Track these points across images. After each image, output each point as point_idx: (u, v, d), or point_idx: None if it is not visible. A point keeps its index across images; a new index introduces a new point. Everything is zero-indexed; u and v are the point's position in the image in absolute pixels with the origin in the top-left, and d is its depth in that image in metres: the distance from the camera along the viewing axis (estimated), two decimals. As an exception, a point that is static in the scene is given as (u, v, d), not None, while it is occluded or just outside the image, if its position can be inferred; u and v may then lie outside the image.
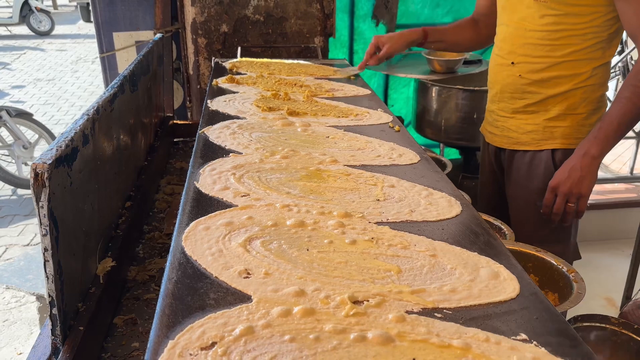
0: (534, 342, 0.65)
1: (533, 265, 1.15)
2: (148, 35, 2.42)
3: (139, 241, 1.55)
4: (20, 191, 4.66)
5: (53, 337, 0.97)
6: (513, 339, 0.66)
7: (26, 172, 4.62)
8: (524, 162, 1.71)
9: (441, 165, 1.98)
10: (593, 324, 1.03)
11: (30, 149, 4.59)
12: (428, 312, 0.70)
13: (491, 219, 1.43)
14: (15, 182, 4.58)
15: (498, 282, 0.76)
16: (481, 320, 0.69)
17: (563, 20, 1.53)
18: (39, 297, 2.85)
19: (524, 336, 0.66)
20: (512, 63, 1.65)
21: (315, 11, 2.39)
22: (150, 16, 2.40)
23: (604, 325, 1.03)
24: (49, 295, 0.94)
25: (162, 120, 2.27)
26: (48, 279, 0.92)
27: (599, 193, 3.73)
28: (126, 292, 1.31)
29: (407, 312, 0.70)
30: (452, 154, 2.99)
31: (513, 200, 1.78)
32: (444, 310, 0.71)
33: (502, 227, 1.41)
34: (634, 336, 1.00)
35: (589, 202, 1.58)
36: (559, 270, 1.07)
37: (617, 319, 1.03)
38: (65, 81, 8.12)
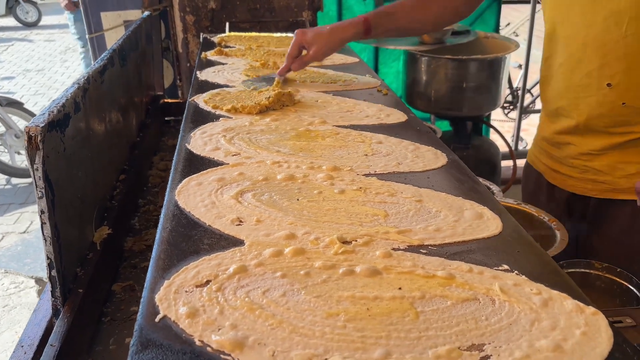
0: (515, 271, 0.68)
1: (516, 218, 1.18)
2: (136, 15, 2.41)
3: (134, 214, 1.58)
4: (14, 180, 4.66)
5: (53, 299, 0.99)
6: (495, 269, 0.69)
7: (19, 161, 4.62)
8: (624, 214, 1.26)
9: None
10: (577, 270, 1.06)
11: (22, 137, 4.58)
12: (414, 249, 0.73)
13: (481, 179, 1.46)
14: (9, 171, 4.58)
15: (482, 222, 0.79)
16: (465, 255, 0.72)
17: None
18: (38, 281, 2.87)
19: (505, 267, 0.69)
20: (609, 85, 1.17)
21: (302, -15, 2.40)
22: (137, -5, 2.39)
23: (587, 270, 1.06)
24: (48, 258, 0.96)
25: (153, 99, 2.28)
26: (46, 241, 0.95)
27: None
28: (123, 262, 1.34)
29: (393, 249, 0.73)
30: (443, 126, 3.02)
31: (604, 255, 1.25)
32: (429, 247, 0.73)
33: (491, 186, 1.44)
34: (618, 279, 1.03)
35: None
36: (541, 220, 1.09)
37: (600, 263, 1.06)
38: (54, 71, 8.07)
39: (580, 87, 1.21)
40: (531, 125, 5.10)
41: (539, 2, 3.30)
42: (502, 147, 2.89)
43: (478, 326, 0.59)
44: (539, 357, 0.54)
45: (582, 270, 1.05)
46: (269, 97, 1.23)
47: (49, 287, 0.99)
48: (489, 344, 0.56)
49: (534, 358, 0.54)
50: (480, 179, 1.48)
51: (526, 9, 3.59)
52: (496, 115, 4.03)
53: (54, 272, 0.97)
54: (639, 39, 1.10)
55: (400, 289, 0.65)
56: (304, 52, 1.45)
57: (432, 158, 1.01)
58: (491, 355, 0.55)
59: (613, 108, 1.18)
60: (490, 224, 0.78)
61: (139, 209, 1.60)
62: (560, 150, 1.33)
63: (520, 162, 3.47)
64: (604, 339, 0.57)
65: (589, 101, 1.21)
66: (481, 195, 0.87)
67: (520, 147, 3.69)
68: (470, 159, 2.53)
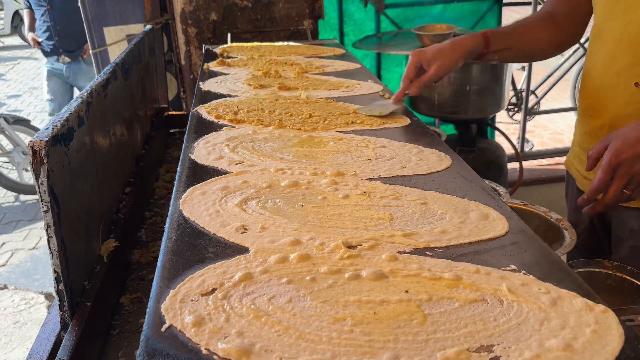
0: (523, 271, 0.67)
1: (523, 218, 1.17)
2: (138, 29, 2.43)
3: (141, 226, 1.58)
4: (22, 197, 4.69)
5: (61, 313, 0.99)
6: (502, 269, 0.68)
7: (27, 178, 4.65)
8: None
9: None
10: (587, 269, 1.05)
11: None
12: (420, 252, 0.72)
13: (487, 181, 1.45)
14: (17, 188, 4.61)
15: (487, 222, 0.79)
16: (471, 256, 0.71)
17: None
18: (48, 296, 2.88)
19: (513, 267, 0.69)
20: (637, 84, 1.15)
21: (302, -6, 2.41)
22: (140, 9, 2.41)
23: (598, 269, 1.05)
24: (55, 271, 0.96)
25: (158, 111, 2.29)
26: (52, 255, 0.95)
27: None
28: (131, 274, 1.34)
29: (399, 252, 0.72)
30: (448, 130, 3.01)
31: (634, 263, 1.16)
32: (435, 249, 0.73)
33: (497, 188, 1.43)
34: (628, 277, 1.02)
35: None
36: (548, 221, 1.08)
37: (610, 262, 1.05)
38: (59, 87, 8.13)
39: (610, 86, 1.20)
40: (537, 127, 5.08)
41: (539, 4, 3.29)
42: (508, 150, 2.87)
43: (486, 327, 0.58)
44: (549, 356, 0.54)
45: (592, 269, 1.04)
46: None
47: (57, 301, 0.99)
48: (498, 344, 0.56)
49: (544, 358, 0.53)
50: (487, 181, 1.47)
51: (527, 10, 3.59)
52: (501, 118, 4.02)
53: (61, 286, 0.97)
54: None
55: (407, 292, 0.64)
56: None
57: (436, 160, 1.01)
58: (500, 356, 0.54)
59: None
60: (496, 225, 0.78)
61: (145, 221, 1.61)
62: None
63: (527, 164, 3.47)
64: (615, 336, 0.56)
65: (617, 100, 1.19)
66: (487, 197, 0.87)
67: (526, 149, 3.68)
68: (476, 162, 2.52)
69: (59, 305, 0.98)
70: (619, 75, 1.17)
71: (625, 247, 1.25)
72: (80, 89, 4.76)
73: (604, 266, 1.04)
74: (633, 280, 1.02)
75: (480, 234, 0.76)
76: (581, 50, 4.06)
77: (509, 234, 0.76)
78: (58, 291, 0.98)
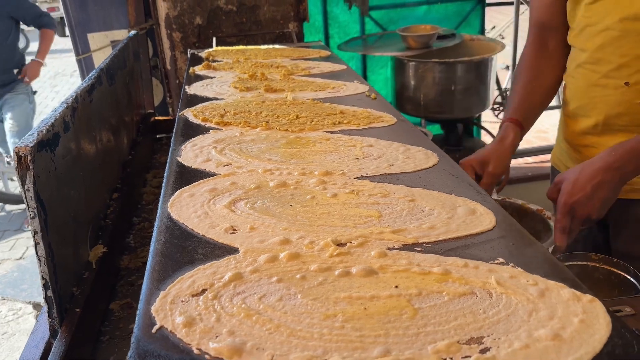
0: (511, 264, 0.68)
1: (511, 213, 1.18)
2: (123, 35, 2.42)
3: (129, 232, 1.57)
4: (8, 207, 4.64)
5: (50, 320, 0.98)
6: (491, 262, 0.69)
7: (13, 188, 4.60)
8: None
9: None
10: (575, 262, 1.06)
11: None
12: (409, 247, 0.73)
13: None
14: (3, 198, 4.56)
15: (475, 217, 0.79)
16: (460, 250, 0.72)
17: None
18: (36, 306, 2.85)
19: (501, 260, 0.69)
20: (627, 84, 1.19)
21: (286, -3, 2.41)
22: (124, 14, 2.40)
23: (585, 262, 1.06)
24: (43, 278, 0.95)
25: (144, 117, 2.28)
26: (40, 261, 0.94)
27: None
28: (120, 280, 1.33)
29: (388, 248, 0.72)
30: (434, 130, 3.03)
31: (627, 258, 1.18)
32: (424, 245, 0.73)
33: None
34: (615, 270, 1.04)
35: None
36: (534, 213, 1.10)
37: (597, 255, 1.06)
38: (45, 96, 8.07)
39: (599, 86, 1.23)
40: (522, 125, 5.13)
41: (522, 3, 3.34)
42: (494, 148, 2.90)
43: (476, 319, 0.59)
44: (538, 346, 0.54)
45: (580, 262, 1.06)
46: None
47: (45, 308, 0.99)
48: (488, 336, 0.56)
49: (533, 348, 0.54)
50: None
51: (510, 10, 3.63)
52: (487, 117, 4.06)
53: (49, 293, 0.96)
54: None
55: (396, 287, 0.64)
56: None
57: (423, 158, 1.01)
58: (490, 347, 0.55)
59: (631, 106, 1.19)
60: (483, 219, 0.78)
61: (133, 227, 1.60)
62: (581, 154, 1.33)
63: (513, 162, 3.49)
64: (602, 325, 0.57)
65: (607, 100, 1.22)
66: (474, 192, 0.88)
67: (512, 147, 3.72)
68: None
69: (48, 312, 0.97)
70: (608, 76, 1.20)
71: (625, 235, 1.28)
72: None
73: (591, 259, 1.06)
74: (620, 272, 1.03)
75: (468, 228, 0.76)
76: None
77: (496, 228, 0.77)
78: (46, 298, 0.97)
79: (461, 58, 2.37)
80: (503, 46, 2.50)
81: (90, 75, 1.43)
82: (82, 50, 2.42)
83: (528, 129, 1.39)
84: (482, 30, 3.26)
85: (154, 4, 2.37)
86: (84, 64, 2.47)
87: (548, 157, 3.58)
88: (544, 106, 1.45)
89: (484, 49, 2.51)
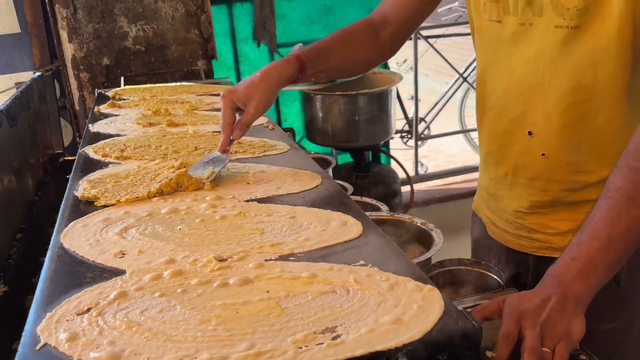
0: (369, 265, 0.78)
1: (392, 226, 1.30)
2: (28, 76, 2.40)
3: (36, 272, 1.55)
4: None
5: (-55, 362, 0.98)
6: (353, 265, 0.78)
7: None
8: None
9: (327, 163, 2.12)
10: (450, 268, 1.18)
11: None
12: (284, 258, 0.81)
13: (368, 200, 1.58)
14: None
15: (345, 228, 0.89)
16: (328, 257, 0.81)
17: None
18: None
19: (362, 262, 0.79)
20: (530, 133, 1.09)
21: (194, 36, 2.50)
22: (28, 56, 2.39)
23: (459, 267, 1.18)
24: None
25: (52, 158, 2.26)
26: None
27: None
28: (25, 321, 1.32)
29: (265, 260, 0.80)
30: (345, 158, 3.17)
31: None
32: (298, 254, 0.82)
33: (379, 204, 1.56)
34: (483, 271, 1.17)
35: None
36: (417, 226, 1.22)
37: (469, 259, 1.19)
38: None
39: (506, 133, 1.15)
40: (432, 152, 5.46)
41: (419, 39, 3.60)
42: (403, 174, 3.09)
43: (333, 313, 0.67)
44: (381, 329, 0.63)
45: (455, 267, 1.18)
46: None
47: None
48: (340, 325, 0.65)
49: (377, 331, 0.63)
50: (373, 200, 1.61)
51: (422, 45, 3.89)
52: (396, 145, 4.29)
53: (-58, 335, 0.96)
54: (555, 86, 1.03)
55: (268, 292, 0.72)
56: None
57: (309, 180, 1.11)
58: (341, 334, 0.63)
59: (534, 159, 1.10)
60: (352, 229, 0.88)
61: (41, 267, 1.58)
62: (497, 202, 1.25)
63: (422, 186, 3.72)
64: (437, 308, 0.67)
65: (514, 149, 1.14)
66: (348, 207, 0.98)
67: (421, 171, 3.94)
68: (371, 186, 2.69)
69: (-59, 354, 0.97)
70: (512, 123, 1.12)
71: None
72: None
73: (464, 263, 1.18)
74: (487, 273, 1.16)
75: (338, 237, 0.86)
76: (461, 79, 4.44)
77: (363, 236, 0.87)
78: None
79: (363, 90, 2.54)
80: (401, 78, 2.71)
81: (-13, 117, 1.44)
82: (-16, 93, 2.37)
83: (310, 74, 1.24)
84: (385, 64, 3.48)
85: (60, 45, 2.38)
86: (-13, 107, 2.42)
87: (457, 179, 3.83)
88: (337, 70, 1.39)
89: (384, 81, 2.69)
